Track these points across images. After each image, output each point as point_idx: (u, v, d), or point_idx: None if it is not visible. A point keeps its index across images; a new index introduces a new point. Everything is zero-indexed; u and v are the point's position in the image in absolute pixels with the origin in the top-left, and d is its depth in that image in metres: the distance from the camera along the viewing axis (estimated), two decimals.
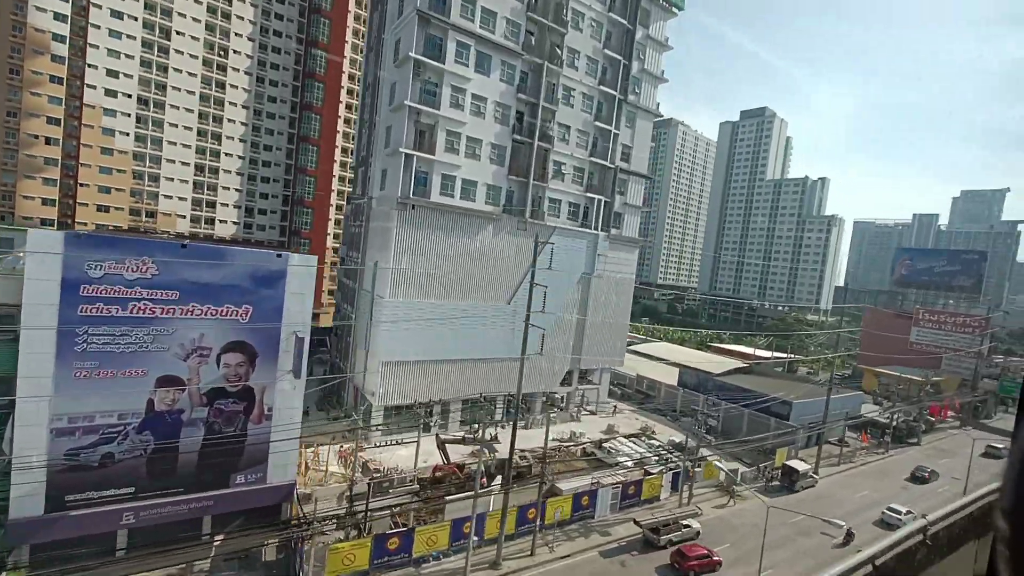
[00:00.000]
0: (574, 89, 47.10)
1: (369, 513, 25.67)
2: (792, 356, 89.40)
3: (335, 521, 25.51)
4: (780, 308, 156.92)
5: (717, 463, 41.08)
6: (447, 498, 29.55)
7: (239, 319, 23.56)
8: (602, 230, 50.91)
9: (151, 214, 67.02)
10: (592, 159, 49.35)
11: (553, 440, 44.91)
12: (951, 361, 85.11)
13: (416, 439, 36.32)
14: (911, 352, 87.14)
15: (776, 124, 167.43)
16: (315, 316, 62.57)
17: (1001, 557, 1.47)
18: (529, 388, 48.61)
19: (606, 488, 33.90)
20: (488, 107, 41.97)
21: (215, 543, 24.80)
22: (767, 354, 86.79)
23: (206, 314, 22.85)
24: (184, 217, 69.26)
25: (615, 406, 52.77)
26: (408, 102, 37.52)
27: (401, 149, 37.72)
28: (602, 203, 50.42)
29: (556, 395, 53.06)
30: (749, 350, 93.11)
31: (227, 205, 72.26)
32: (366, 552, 24.35)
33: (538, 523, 28.29)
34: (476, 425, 41.38)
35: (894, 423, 60.59)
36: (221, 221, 72.10)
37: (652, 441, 46.70)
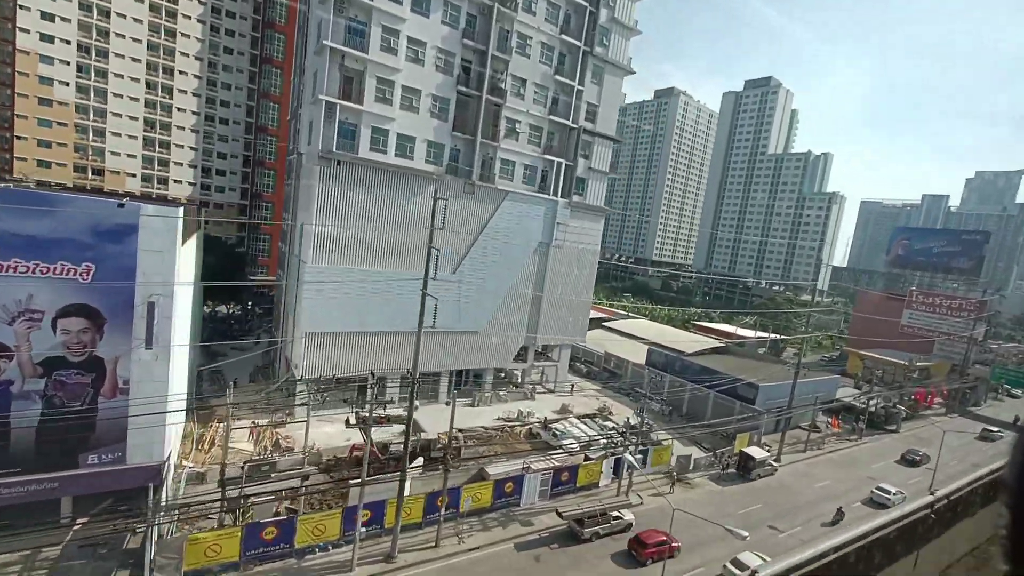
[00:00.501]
0: (531, 37, 42.44)
1: (247, 499, 23.00)
2: (774, 336, 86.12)
3: (205, 507, 22.87)
4: (776, 287, 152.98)
5: (679, 448, 38.33)
6: (351, 482, 26.88)
7: (78, 279, 20.34)
8: (562, 196, 47.01)
9: (98, 171, 63.37)
10: (552, 118, 45.04)
11: (498, 420, 42.31)
12: (943, 346, 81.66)
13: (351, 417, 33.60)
14: (902, 336, 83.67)
15: (781, 95, 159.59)
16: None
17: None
18: (479, 364, 45.77)
19: (535, 474, 31.20)
20: (428, 53, 37.61)
21: (74, 527, 22.34)
22: (750, 334, 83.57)
23: (33, 272, 19.63)
24: (134, 176, 65.59)
25: (572, 385, 49.92)
26: (330, 43, 33.31)
27: (322, 96, 33.73)
28: (563, 167, 46.35)
29: (516, 372, 50.30)
30: (733, 329, 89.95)
31: (181, 164, 68.39)
32: (235, 543, 21.76)
33: (442, 512, 25.62)
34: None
35: (872, 409, 57.73)
36: (176, 181, 68.37)
37: (607, 423, 43.96)
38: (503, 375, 52.07)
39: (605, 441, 39.32)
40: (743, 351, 68.42)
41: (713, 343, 66.44)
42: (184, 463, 28.30)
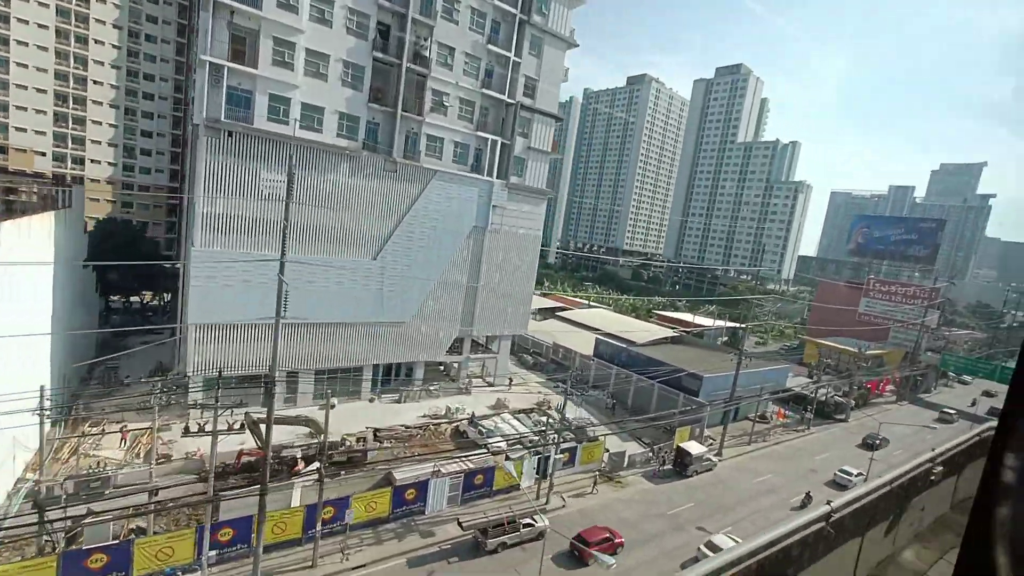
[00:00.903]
0: (459, 1, 38.91)
1: (74, 520, 19.61)
2: (733, 325, 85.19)
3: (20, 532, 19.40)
4: (743, 276, 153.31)
5: (617, 444, 36.02)
6: (218, 494, 23.67)
7: None
8: (499, 177, 43.90)
9: (1, 149, 57.64)
10: (485, 91, 41.73)
11: (423, 417, 39.44)
12: (898, 333, 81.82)
13: (269, 416, 30.17)
14: (860, 324, 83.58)
15: (751, 83, 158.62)
16: None
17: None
18: (408, 357, 42.71)
19: (443, 478, 28.46)
20: (336, 13, 33.81)
21: None
22: (708, 323, 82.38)
23: None
24: (44, 154, 59.95)
25: (511, 379, 47.32)
26: None
27: (205, 57, 29.80)
28: (498, 145, 43.19)
29: (453, 366, 47.42)
30: (695, 318, 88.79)
31: (99, 142, 62.84)
32: (49, 574, 18.43)
33: (319, 527, 22.65)
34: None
35: (823, 398, 56.80)
36: (93, 161, 62.85)
37: (543, 418, 41.46)
38: (442, 368, 49.20)
39: (536, 438, 36.89)
40: (698, 341, 66.95)
41: (670, 332, 64.72)
42: (29, 476, 24.63)
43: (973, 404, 66.60)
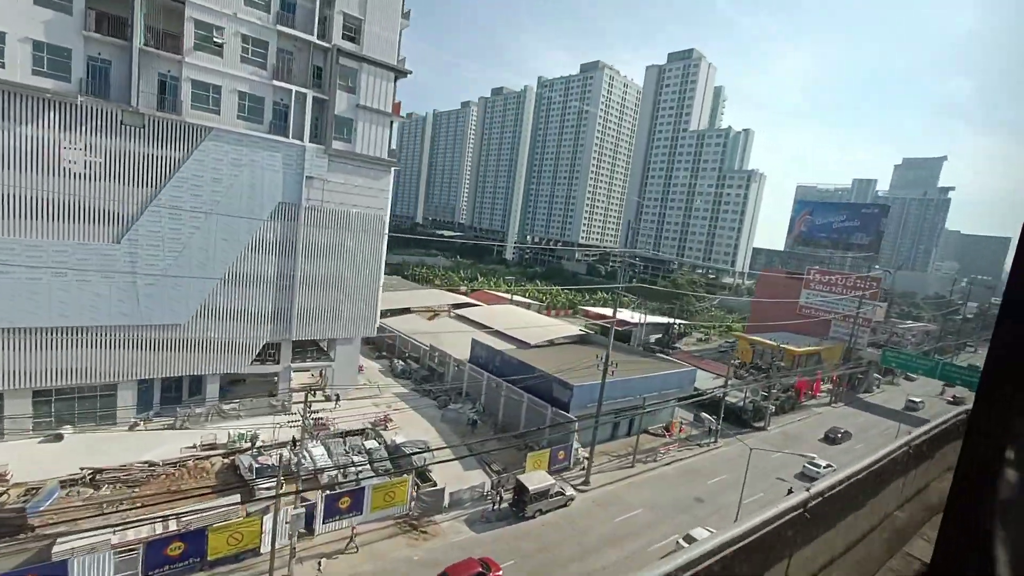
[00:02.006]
0: None
1: None
2: (663, 320, 77.92)
3: None
4: (700, 270, 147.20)
5: (459, 473, 27.46)
6: None
7: None
8: (314, 141, 35.03)
9: None
10: (283, 29, 32.77)
11: (190, 447, 30.36)
12: (841, 328, 75.60)
13: None
14: (800, 318, 77.19)
15: (703, 68, 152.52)
16: None
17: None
18: (192, 369, 33.53)
19: (104, 552, 19.53)
20: None
21: None
22: (634, 318, 74.85)
23: None
24: None
25: (337, 395, 38.44)
26: None
27: None
28: (308, 100, 34.26)
29: (273, 377, 38.32)
30: (631, 315, 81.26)
31: None
32: None
33: None
34: None
35: (740, 403, 49.50)
36: None
37: (370, 443, 32.78)
38: (276, 379, 40.03)
39: (344, 473, 28.31)
40: (599, 339, 59.16)
41: (575, 331, 56.80)
42: None
43: (910, 408, 60.33)
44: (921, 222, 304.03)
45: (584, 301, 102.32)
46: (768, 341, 66.63)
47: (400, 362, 49.21)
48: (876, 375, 69.55)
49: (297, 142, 34.10)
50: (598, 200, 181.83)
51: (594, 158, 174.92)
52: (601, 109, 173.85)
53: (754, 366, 67.47)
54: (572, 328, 59.89)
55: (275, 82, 32.84)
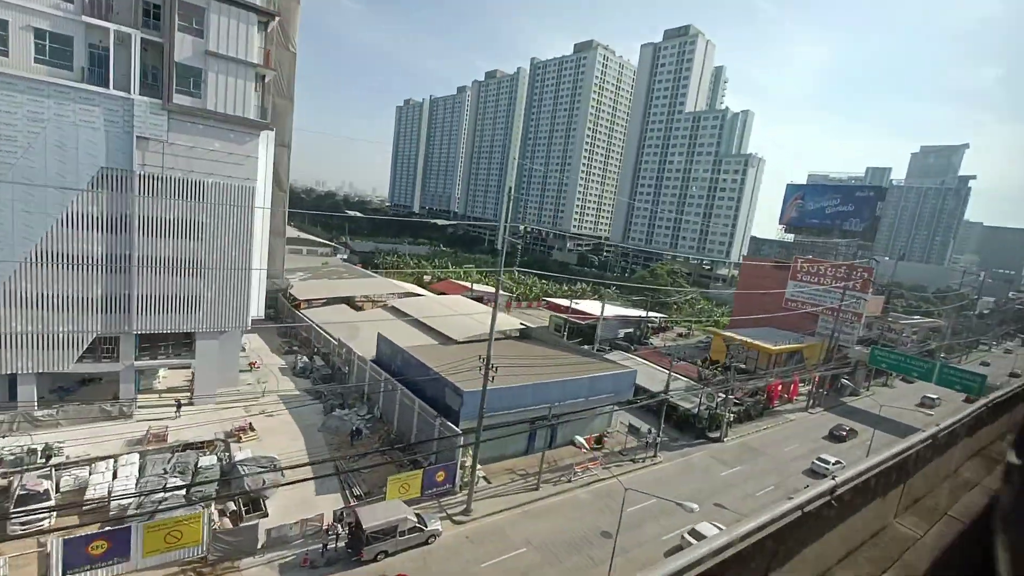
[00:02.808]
0: None
1: None
2: (627, 313, 71.14)
3: None
4: (692, 260, 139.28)
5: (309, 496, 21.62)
6: None
7: None
8: (148, 94, 28.97)
9: None
10: None
11: None
12: (828, 323, 68.25)
13: None
14: (786, 311, 69.97)
15: (700, 46, 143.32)
16: None
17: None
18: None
19: None
20: None
21: None
22: (622, 312, 68.25)
23: None
24: None
25: (179, 401, 32.68)
26: None
27: None
28: (136, 42, 28.14)
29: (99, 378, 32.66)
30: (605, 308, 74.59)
31: None
32: None
33: None
34: None
35: (696, 410, 42.97)
36: None
37: (210, 460, 27.00)
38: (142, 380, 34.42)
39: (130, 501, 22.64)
40: (551, 338, 52.82)
41: (518, 325, 50.48)
42: None
43: (925, 405, 53.22)
44: (938, 212, 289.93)
45: (562, 293, 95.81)
46: (741, 337, 59.69)
47: (303, 358, 43.41)
48: (854, 379, 62.31)
49: (122, 94, 28.07)
50: (591, 188, 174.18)
51: (587, 144, 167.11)
52: (595, 91, 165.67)
53: (725, 366, 60.66)
54: (516, 322, 53.55)
55: (86, 18, 26.74)
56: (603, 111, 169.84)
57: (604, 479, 32.92)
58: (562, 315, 69.54)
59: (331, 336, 45.08)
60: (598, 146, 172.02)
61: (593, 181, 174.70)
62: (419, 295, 61.47)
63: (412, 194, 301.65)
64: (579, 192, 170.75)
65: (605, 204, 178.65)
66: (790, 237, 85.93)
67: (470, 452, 29.11)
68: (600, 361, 41.92)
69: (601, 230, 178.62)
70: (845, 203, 74.05)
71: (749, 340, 57.97)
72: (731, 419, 42.68)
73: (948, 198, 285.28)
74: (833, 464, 36.45)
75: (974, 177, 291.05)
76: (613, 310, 75.42)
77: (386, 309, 54.69)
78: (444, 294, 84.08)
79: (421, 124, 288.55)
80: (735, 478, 35.45)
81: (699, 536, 24.33)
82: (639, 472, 34.99)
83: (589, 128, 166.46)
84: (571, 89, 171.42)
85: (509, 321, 52.16)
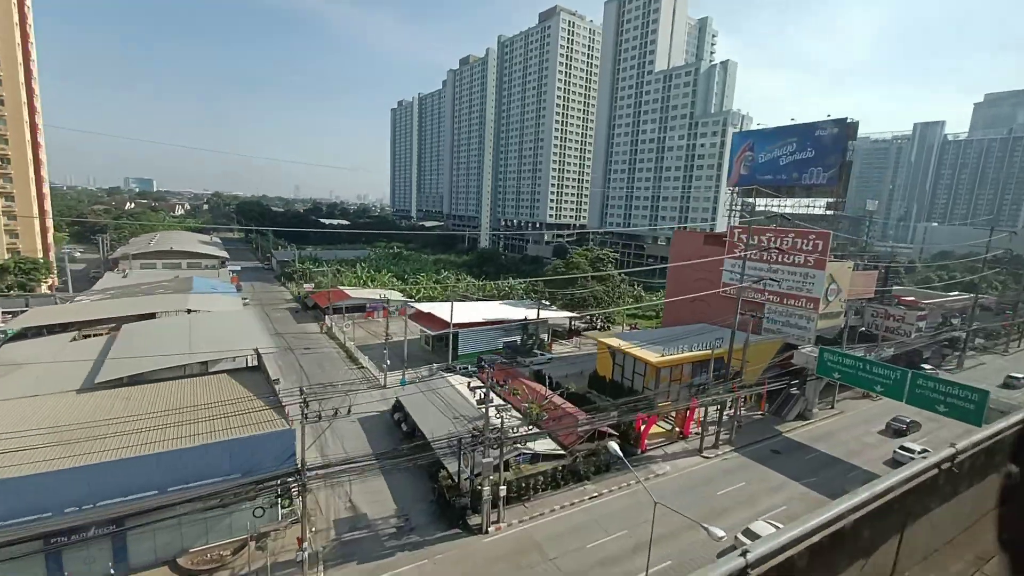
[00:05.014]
0: None
1: None
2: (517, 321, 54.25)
3: None
4: (651, 241, 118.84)
5: None
6: None
7: None
8: None
9: None
10: None
11: None
12: (775, 315, 49.10)
13: None
14: (724, 299, 51.19)
15: None
16: None
17: None
18: None
19: None
20: None
21: None
22: (469, 314, 51.93)
23: None
24: None
25: None
26: None
27: None
28: None
29: None
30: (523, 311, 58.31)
31: None
32: None
33: None
34: None
35: (452, 482, 26.55)
36: None
37: None
38: None
39: None
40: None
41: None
42: None
43: (1009, 385, 34.47)
44: (1006, 166, 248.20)
45: (453, 293, 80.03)
46: (621, 344, 41.83)
47: None
48: (806, 395, 43.03)
49: None
50: (568, 172, 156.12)
51: (558, 122, 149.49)
52: (562, 63, 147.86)
53: (617, 383, 43.08)
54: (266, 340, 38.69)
55: None
56: (575, 84, 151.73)
57: None
58: (426, 327, 54.06)
59: None
60: (572, 124, 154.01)
61: (570, 164, 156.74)
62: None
63: (410, 199, 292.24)
64: (553, 178, 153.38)
65: (585, 189, 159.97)
66: (760, 202, 65.76)
67: None
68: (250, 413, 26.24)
69: (582, 218, 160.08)
70: (803, 148, 54.04)
71: (627, 349, 40.22)
72: (489, 496, 25.71)
73: (1017, 148, 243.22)
74: (919, 452, 31.85)
75: None
76: (501, 312, 58.99)
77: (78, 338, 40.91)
78: (316, 305, 70.52)
79: (413, 124, 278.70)
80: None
81: (751, 534, 22.84)
82: None
83: (559, 104, 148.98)
84: (538, 64, 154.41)
85: (262, 341, 37.31)
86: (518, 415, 32.94)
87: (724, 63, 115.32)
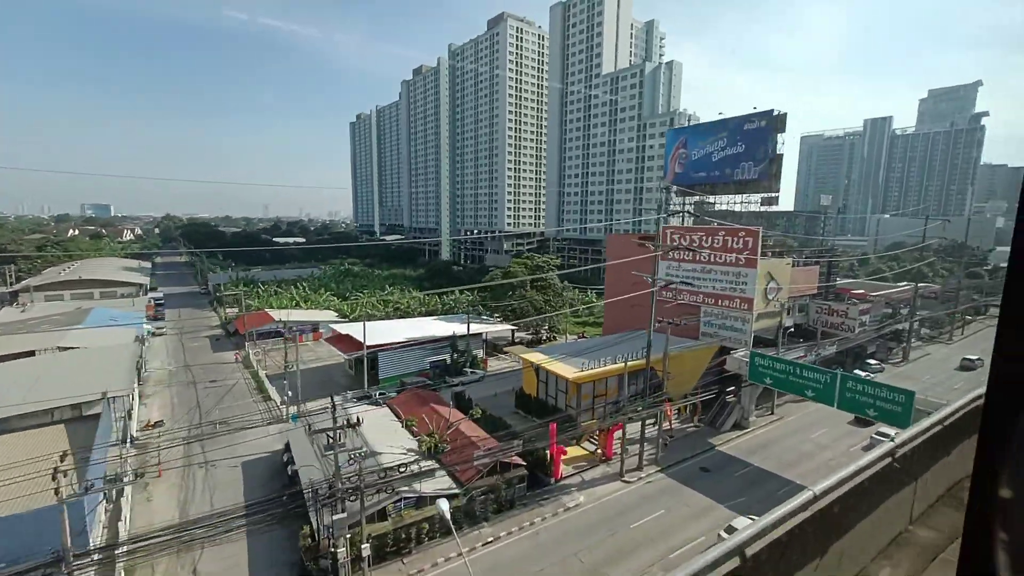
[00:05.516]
0: None
1: None
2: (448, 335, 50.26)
3: None
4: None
5: None
6: None
7: None
8: None
9: None
10: None
11: None
12: (711, 318, 46.45)
13: None
14: (662, 306, 48.16)
15: None
16: None
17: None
18: None
19: None
20: None
21: None
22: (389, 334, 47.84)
23: None
24: None
25: None
26: None
27: None
28: None
29: None
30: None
31: None
32: None
33: None
34: None
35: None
36: None
37: None
38: None
39: None
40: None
41: None
42: None
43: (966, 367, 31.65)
44: (950, 158, 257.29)
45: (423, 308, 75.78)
46: (541, 359, 38.37)
47: None
48: (741, 402, 40.37)
49: None
50: (524, 178, 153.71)
51: (511, 128, 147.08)
52: (512, 70, 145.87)
53: (543, 403, 39.50)
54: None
55: None
56: (527, 90, 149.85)
57: None
58: (339, 348, 49.63)
59: None
60: (526, 130, 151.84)
61: (527, 171, 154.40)
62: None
63: (373, 213, 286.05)
64: (510, 185, 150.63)
65: (543, 195, 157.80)
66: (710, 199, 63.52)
67: None
68: None
69: (542, 224, 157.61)
70: (733, 143, 52.10)
71: (546, 364, 36.78)
72: (367, 554, 21.62)
73: (960, 141, 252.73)
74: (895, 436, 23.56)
75: (986, 114, 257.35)
76: (432, 328, 54.96)
77: None
78: (237, 332, 65.25)
79: (372, 138, 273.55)
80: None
81: (732, 531, 19.79)
82: None
83: (512, 111, 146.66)
84: (489, 71, 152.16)
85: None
86: (415, 449, 29.11)
87: (669, 64, 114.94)
